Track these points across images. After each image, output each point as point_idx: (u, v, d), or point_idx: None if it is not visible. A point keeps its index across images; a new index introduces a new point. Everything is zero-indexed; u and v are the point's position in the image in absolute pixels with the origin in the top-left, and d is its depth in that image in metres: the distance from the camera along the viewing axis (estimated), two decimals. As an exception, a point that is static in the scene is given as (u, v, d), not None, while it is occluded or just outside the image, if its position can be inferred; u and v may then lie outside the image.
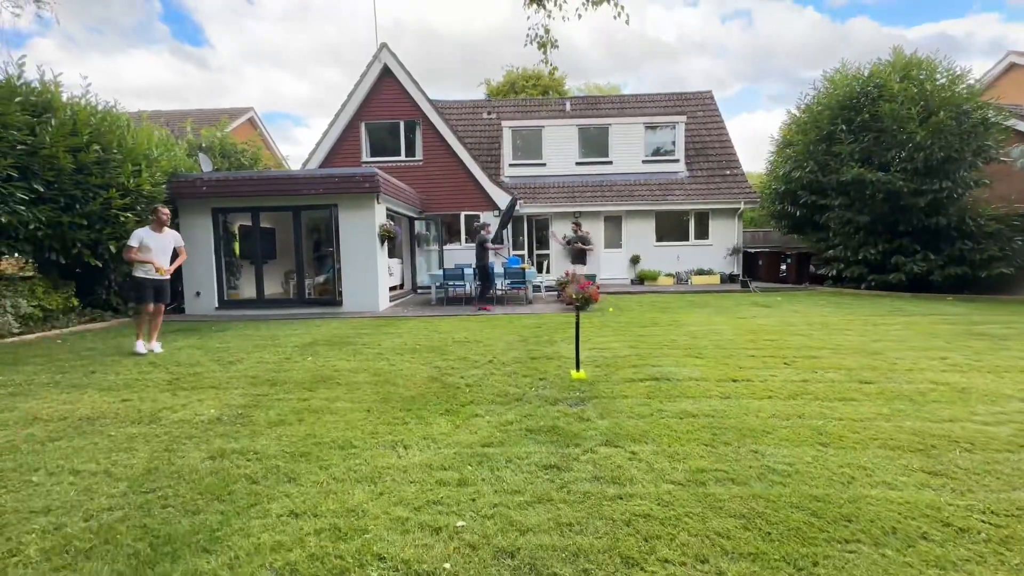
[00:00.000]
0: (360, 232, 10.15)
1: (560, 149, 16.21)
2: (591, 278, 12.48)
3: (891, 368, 4.88)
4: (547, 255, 15.84)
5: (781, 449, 3.02)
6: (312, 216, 12.04)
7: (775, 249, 16.55)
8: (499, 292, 11.32)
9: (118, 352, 6.24)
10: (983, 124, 11.17)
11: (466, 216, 15.04)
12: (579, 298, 5.55)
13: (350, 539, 2.18)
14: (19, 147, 7.15)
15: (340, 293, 10.32)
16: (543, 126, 16.29)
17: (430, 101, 14.58)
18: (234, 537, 2.21)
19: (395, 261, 12.87)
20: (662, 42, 71.60)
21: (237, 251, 11.34)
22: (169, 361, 5.70)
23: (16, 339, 7.04)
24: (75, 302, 8.41)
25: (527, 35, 4.21)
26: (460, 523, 2.29)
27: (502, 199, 14.60)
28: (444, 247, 14.96)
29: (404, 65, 14.37)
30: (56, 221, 7.64)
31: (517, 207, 14.45)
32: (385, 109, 14.77)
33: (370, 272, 10.20)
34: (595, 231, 15.42)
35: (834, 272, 13.21)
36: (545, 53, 4.25)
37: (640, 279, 15.18)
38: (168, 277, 6.34)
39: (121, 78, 72.02)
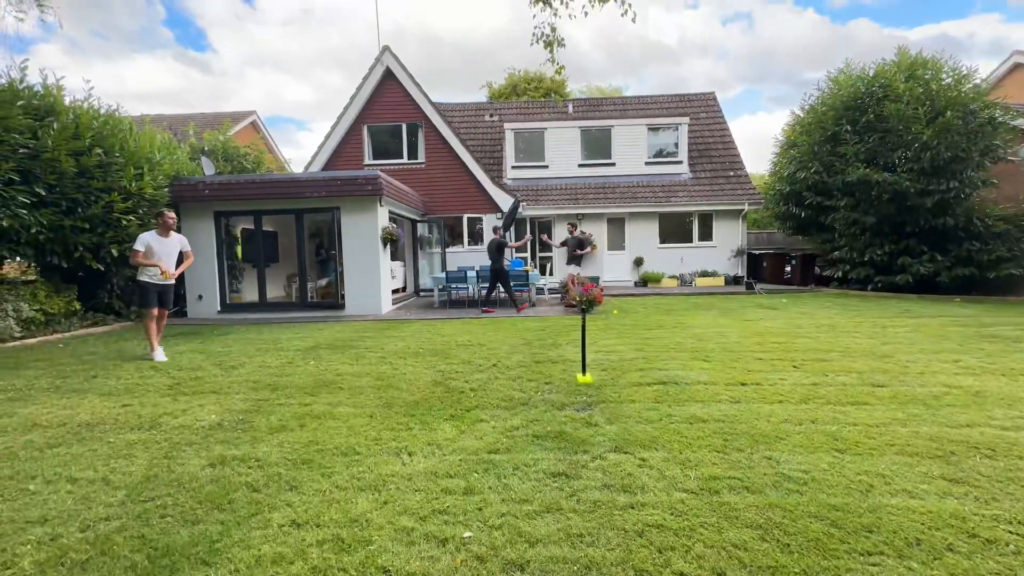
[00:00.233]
0: (362, 235, 10.10)
1: (562, 151, 16.15)
2: (594, 280, 12.41)
3: (903, 371, 4.79)
4: (550, 257, 15.76)
5: (796, 455, 2.93)
6: (314, 219, 12.00)
7: (779, 251, 16.45)
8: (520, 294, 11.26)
9: (120, 356, 6.19)
10: (990, 124, 11.07)
11: (468, 218, 15.00)
12: (583, 301, 5.50)
13: (354, 551, 2.11)
14: (21, 151, 7.13)
15: (342, 296, 10.27)
16: (545, 128, 16.24)
17: (432, 103, 14.56)
18: (234, 549, 2.15)
19: (397, 264, 12.82)
20: (663, 44, 71.64)
21: (239, 254, 11.31)
22: (170, 365, 5.64)
23: (18, 343, 7.00)
24: (77, 306, 8.37)
25: (533, 34, 4.16)
26: (467, 534, 2.22)
27: (505, 201, 14.56)
28: (447, 250, 14.91)
29: (406, 68, 14.36)
30: (58, 225, 7.62)
31: (520, 209, 14.40)
32: (387, 112, 14.75)
33: (372, 275, 10.15)
34: (598, 233, 15.36)
35: (840, 273, 13.11)
36: (552, 52, 4.19)
37: (644, 281, 15.10)
38: (173, 281, 6.27)
39: (125, 83, 72.36)
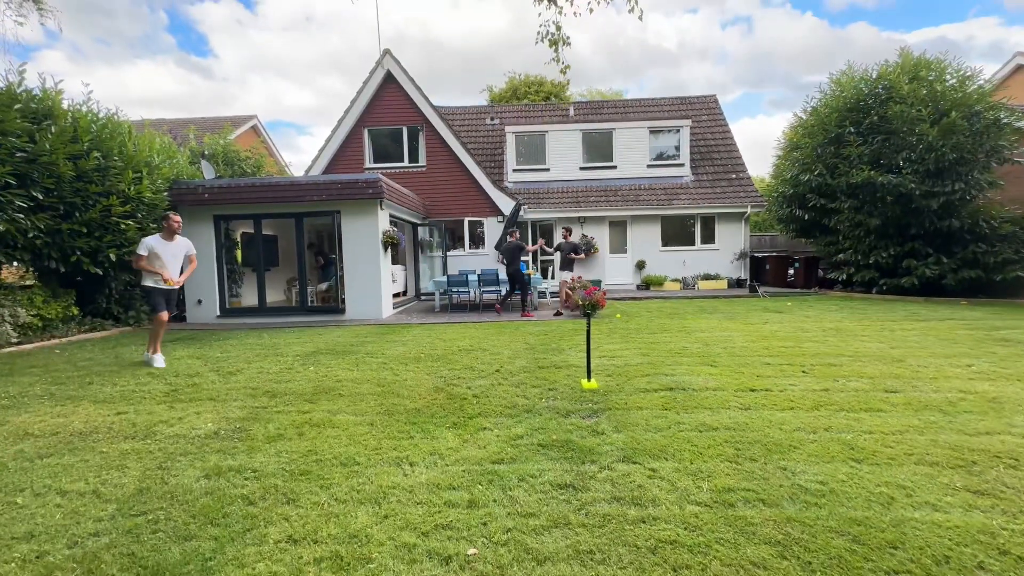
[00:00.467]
0: (363, 239, 10.02)
1: (564, 154, 16.09)
2: (597, 284, 12.31)
3: (915, 376, 4.68)
4: (551, 261, 15.68)
5: (811, 466, 2.83)
6: (315, 223, 11.93)
7: (782, 253, 16.35)
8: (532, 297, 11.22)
9: (117, 362, 6.10)
10: (995, 125, 10.98)
11: (470, 222, 14.92)
12: (586, 304, 5.39)
13: (353, 570, 2.01)
14: (18, 155, 7.05)
15: (343, 301, 10.18)
16: (547, 131, 16.18)
17: (433, 107, 14.51)
18: (228, 567, 2.05)
19: (398, 268, 12.75)
20: (663, 48, 71.83)
21: (239, 258, 11.24)
22: (168, 371, 5.55)
23: (14, 349, 6.91)
24: (75, 311, 8.29)
25: (538, 32, 4.06)
26: (472, 551, 2.12)
27: (506, 204, 14.49)
28: (448, 253, 14.83)
29: (407, 71, 14.31)
30: (55, 229, 7.54)
31: (521, 212, 14.33)
32: (388, 115, 14.70)
33: (373, 279, 10.06)
34: (600, 236, 15.28)
35: (844, 276, 13.00)
36: (556, 51, 4.10)
37: (646, 284, 15.00)
38: (177, 287, 6.14)
39: (128, 88, 72.69)
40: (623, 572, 1.96)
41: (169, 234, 5.99)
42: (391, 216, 11.06)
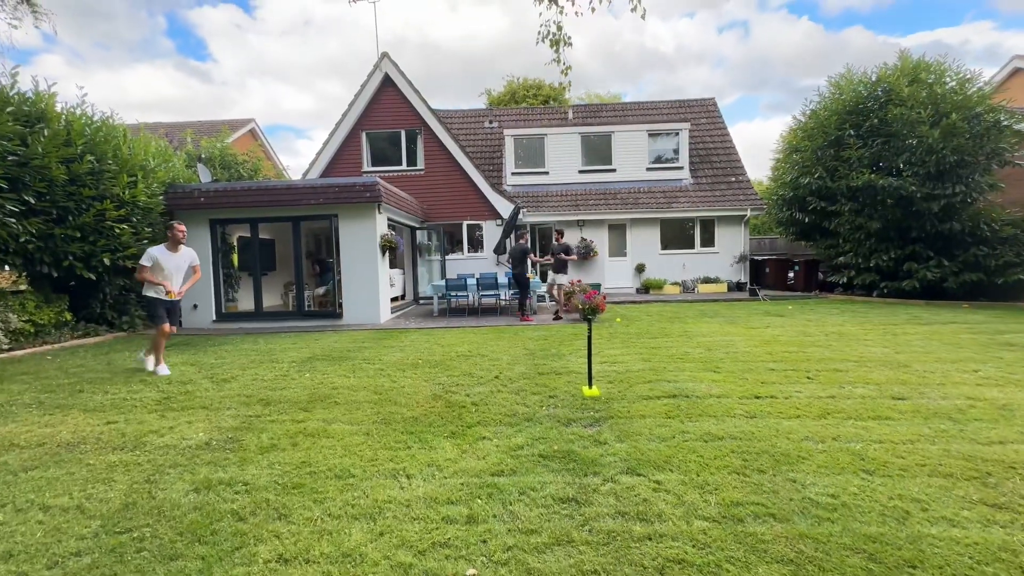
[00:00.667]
0: (361, 242, 9.93)
1: (563, 157, 16.03)
2: (596, 287, 12.23)
3: (922, 382, 4.60)
4: (550, 264, 15.57)
5: (821, 477, 2.74)
6: (312, 227, 11.85)
7: (782, 256, 16.30)
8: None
9: (109, 369, 5.99)
10: (996, 127, 10.95)
11: (468, 225, 14.84)
12: (586, 308, 5.30)
13: (345, 592, 1.91)
14: (10, 158, 6.96)
15: (340, 305, 10.07)
16: (545, 134, 16.12)
17: (431, 110, 14.44)
18: (214, 590, 1.95)
19: (396, 272, 12.65)
20: (660, 52, 72.05)
21: (235, 263, 11.13)
22: (161, 379, 5.44)
23: (5, 355, 6.79)
24: (68, 316, 8.17)
25: (538, 33, 3.98)
26: (471, 571, 2.02)
27: (505, 208, 14.42)
28: (446, 257, 14.74)
29: (405, 74, 14.25)
30: (48, 233, 7.44)
31: (520, 216, 14.25)
32: (386, 118, 14.63)
33: (371, 283, 9.97)
34: (599, 239, 15.21)
35: (844, 279, 12.94)
36: (557, 51, 4.02)
37: (646, 288, 14.92)
38: (180, 298, 5.96)
39: (127, 93, 72.61)
40: (630, 594, 1.87)
41: (174, 244, 5.79)
42: (389, 220, 10.97)
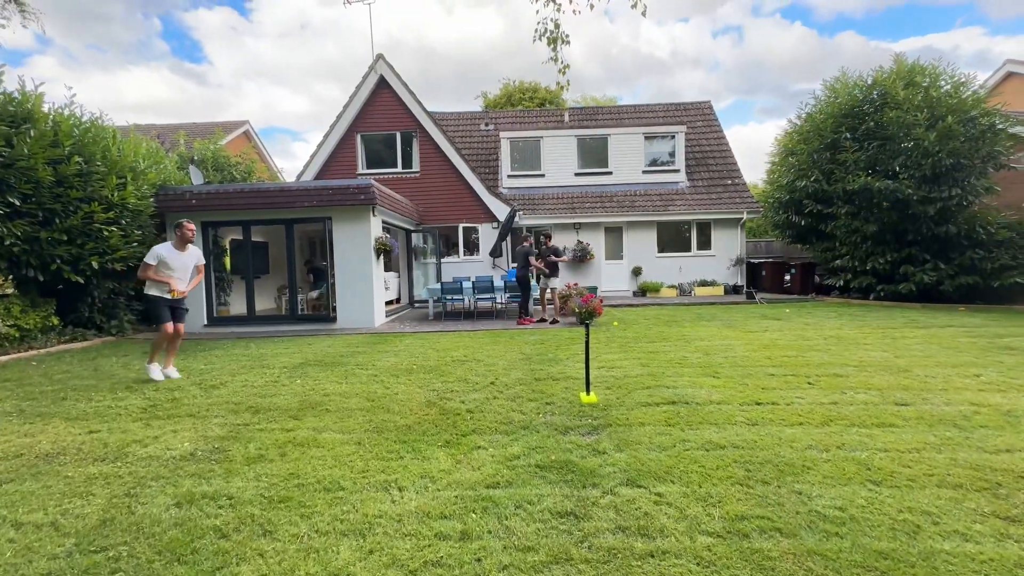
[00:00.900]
0: (355, 245, 9.81)
1: (559, 160, 15.97)
2: (593, 291, 12.15)
3: (924, 387, 4.53)
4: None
5: (828, 489, 2.65)
6: (306, 229, 11.72)
7: (778, 259, 16.28)
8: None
9: (95, 375, 5.84)
10: (991, 130, 10.96)
11: (464, 228, 14.75)
12: (583, 312, 5.21)
13: (331, 617, 1.80)
14: (-5, 159, 6.82)
15: (334, 309, 9.95)
16: (541, 137, 16.07)
17: (427, 112, 14.36)
18: (191, 615, 1.83)
19: (391, 275, 12.52)
20: (655, 57, 72.37)
21: (228, 266, 10.99)
22: (146, 385, 5.30)
23: (-12, 361, 6.63)
24: (55, 321, 8.00)
25: (535, 31, 3.90)
26: (464, 593, 1.92)
27: (501, 211, 14.33)
28: (442, 260, 14.64)
29: (400, 76, 14.17)
30: (33, 236, 7.29)
31: (516, 218, 14.17)
32: (381, 120, 14.54)
33: (365, 287, 9.85)
34: (596, 242, 15.14)
35: (841, 282, 12.92)
36: (555, 49, 3.94)
37: (642, 291, 14.87)
38: (185, 297, 5.80)
39: (122, 94, 72.21)
40: (632, 618, 1.77)
41: (181, 243, 5.65)
42: (384, 222, 10.86)
